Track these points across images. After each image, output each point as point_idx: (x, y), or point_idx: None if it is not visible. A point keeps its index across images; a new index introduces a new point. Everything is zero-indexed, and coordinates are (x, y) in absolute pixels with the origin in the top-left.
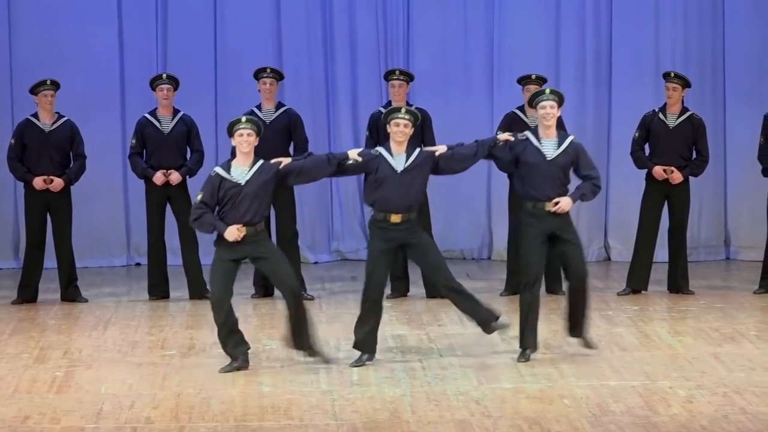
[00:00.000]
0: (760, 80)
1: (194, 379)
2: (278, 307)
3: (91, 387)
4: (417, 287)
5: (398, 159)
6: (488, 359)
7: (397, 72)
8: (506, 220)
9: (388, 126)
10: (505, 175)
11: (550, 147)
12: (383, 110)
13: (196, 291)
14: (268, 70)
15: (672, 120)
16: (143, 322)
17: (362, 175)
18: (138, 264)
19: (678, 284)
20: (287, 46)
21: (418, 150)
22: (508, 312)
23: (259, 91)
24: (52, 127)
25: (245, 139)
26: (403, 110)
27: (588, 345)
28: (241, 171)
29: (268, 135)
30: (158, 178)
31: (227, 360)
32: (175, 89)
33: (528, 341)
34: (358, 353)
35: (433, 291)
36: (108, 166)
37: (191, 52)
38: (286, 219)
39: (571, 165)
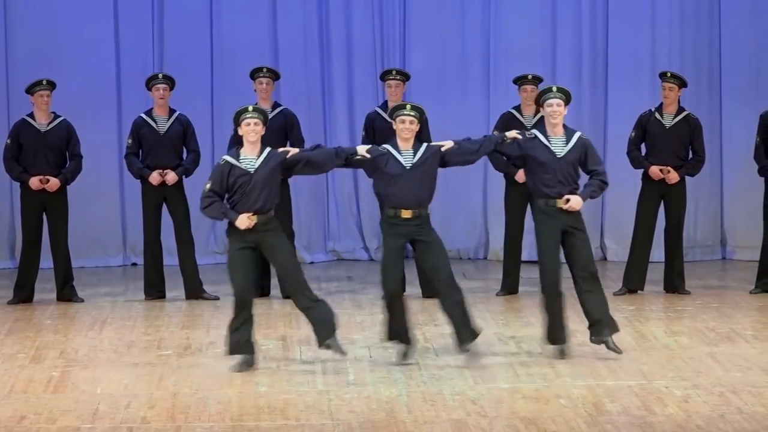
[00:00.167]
0: (756, 80)
1: (190, 379)
2: (274, 307)
3: (87, 387)
4: (413, 287)
5: (406, 155)
6: (484, 359)
7: (394, 72)
8: (502, 220)
9: (394, 123)
10: (501, 174)
11: (559, 144)
12: (379, 110)
13: (193, 291)
14: (265, 70)
15: (668, 120)
16: (139, 322)
17: (359, 177)
18: (134, 264)
19: (674, 284)
20: (283, 46)
21: (425, 145)
22: (504, 311)
23: (255, 90)
24: (48, 127)
25: (252, 128)
26: (408, 107)
27: (614, 349)
28: (250, 159)
29: (264, 135)
30: (154, 178)
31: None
32: (171, 89)
33: (558, 338)
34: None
35: (429, 291)
36: (104, 166)
37: (187, 51)
38: (282, 219)
39: (579, 160)
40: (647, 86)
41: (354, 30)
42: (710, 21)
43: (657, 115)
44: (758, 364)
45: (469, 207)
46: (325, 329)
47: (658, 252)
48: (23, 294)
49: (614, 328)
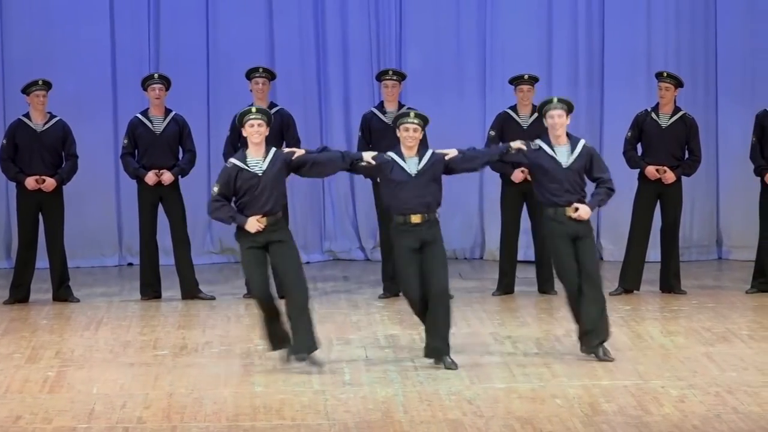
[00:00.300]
0: (752, 80)
1: (186, 379)
2: None
3: (82, 387)
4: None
5: (410, 162)
6: (480, 359)
7: (390, 72)
8: (498, 220)
9: (397, 131)
10: (498, 175)
11: (563, 154)
12: (375, 110)
13: (189, 291)
14: (261, 70)
15: (665, 120)
16: (135, 322)
17: (356, 177)
18: (130, 264)
19: (670, 284)
20: (279, 46)
21: (430, 152)
22: (500, 311)
23: (251, 90)
24: (44, 127)
25: (256, 130)
26: (412, 114)
27: (605, 359)
28: (257, 161)
29: None
30: (150, 178)
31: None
32: (167, 89)
33: (595, 335)
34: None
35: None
36: (100, 166)
37: (183, 52)
38: None
39: (585, 168)
40: (643, 86)
41: (350, 30)
42: (706, 21)
43: (653, 115)
44: (754, 363)
45: (465, 207)
46: (302, 345)
47: (654, 252)
48: (19, 294)
49: (605, 337)
